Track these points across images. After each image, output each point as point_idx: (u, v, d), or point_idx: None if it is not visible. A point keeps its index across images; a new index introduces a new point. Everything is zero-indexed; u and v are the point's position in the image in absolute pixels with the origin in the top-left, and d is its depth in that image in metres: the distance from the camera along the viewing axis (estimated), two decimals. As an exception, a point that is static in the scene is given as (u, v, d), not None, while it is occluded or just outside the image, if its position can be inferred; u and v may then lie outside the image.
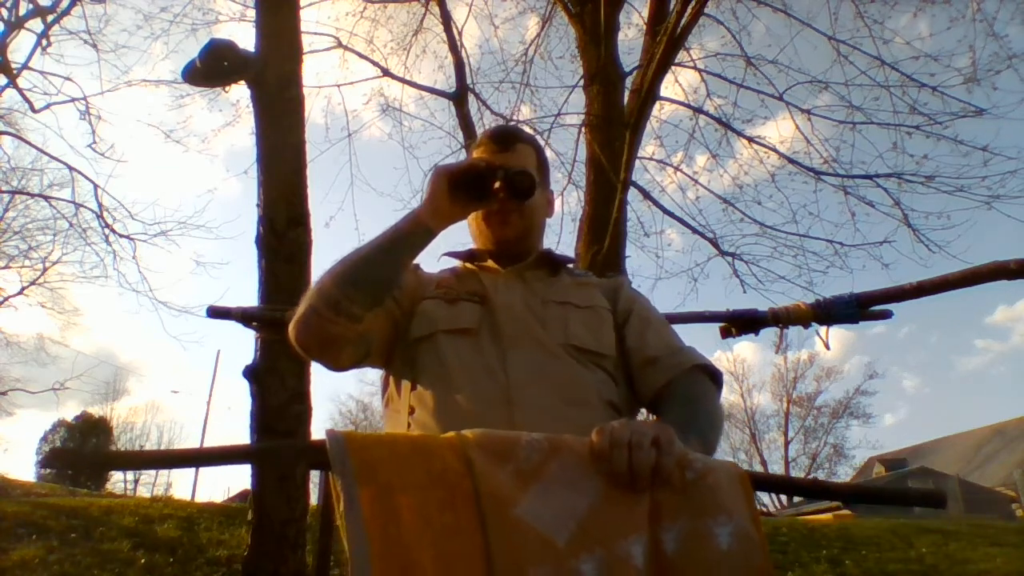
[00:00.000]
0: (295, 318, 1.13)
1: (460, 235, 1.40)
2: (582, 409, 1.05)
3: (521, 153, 1.29)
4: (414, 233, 1.14)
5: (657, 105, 7.10)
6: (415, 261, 1.25)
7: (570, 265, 1.36)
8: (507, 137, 1.31)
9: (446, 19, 7.33)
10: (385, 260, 1.12)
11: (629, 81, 6.42)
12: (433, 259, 1.38)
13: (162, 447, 33.15)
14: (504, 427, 0.97)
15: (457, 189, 1.14)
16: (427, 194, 1.15)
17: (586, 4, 6.45)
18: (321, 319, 1.10)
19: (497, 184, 1.16)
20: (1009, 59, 6.45)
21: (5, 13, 9.93)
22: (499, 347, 1.11)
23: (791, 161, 7.26)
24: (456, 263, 1.38)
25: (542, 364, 1.09)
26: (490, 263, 1.31)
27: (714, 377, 1.17)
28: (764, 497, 32.30)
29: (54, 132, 14.76)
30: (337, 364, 1.20)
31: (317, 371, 4.22)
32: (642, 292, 1.36)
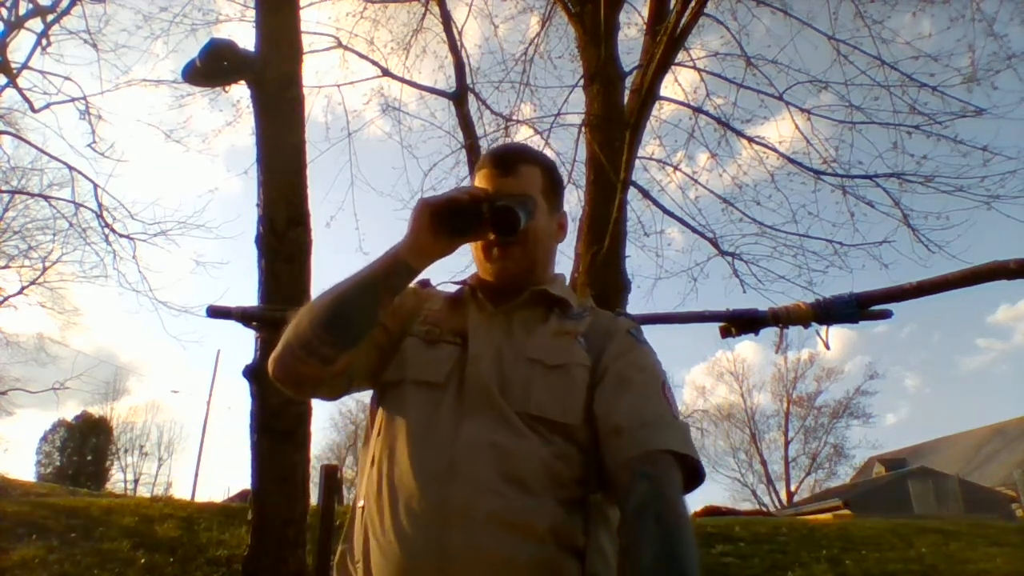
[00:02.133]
0: (273, 354, 1.11)
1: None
2: (523, 489, 0.96)
3: (525, 177, 1.18)
4: (393, 272, 1.07)
5: (657, 105, 7.10)
6: (423, 276, 1.20)
7: (571, 302, 1.21)
8: (509, 160, 1.20)
9: (446, 19, 7.34)
10: (362, 300, 1.07)
11: (629, 81, 6.41)
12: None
13: (162, 447, 33.25)
14: (440, 506, 0.94)
15: (441, 223, 1.06)
16: (408, 229, 1.07)
17: (586, 4, 6.45)
18: (295, 359, 1.08)
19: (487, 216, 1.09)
20: (1008, 59, 6.45)
21: (5, 13, 9.94)
22: (459, 409, 1.03)
23: (791, 161, 7.26)
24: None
25: (493, 435, 0.99)
26: (482, 297, 1.21)
27: (690, 471, 0.99)
28: (764, 497, 32.35)
29: (54, 132, 14.79)
30: (316, 397, 1.18)
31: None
32: (643, 342, 1.19)
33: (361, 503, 1.06)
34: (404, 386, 1.09)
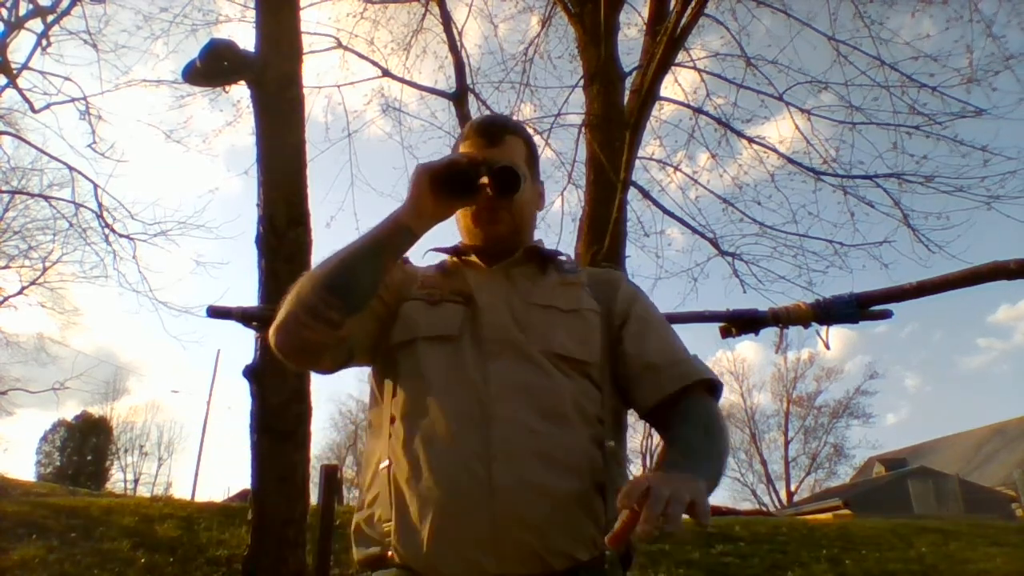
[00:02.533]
0: (275, 323, 1.10)
1: (449, 229, 1.37)
2: (561, 424, 1.01)
3: (509, 146, 1.23)
4: (395, 235, 1.10)
5: (657, 105, 7.10)
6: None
7: (562, 257, 1.29)
8: (494, 130, 1.24)
9: (446, 19, 7.34)
10: (366, 265, 1.08)
11: (629, 81, 6.42)
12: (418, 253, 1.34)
13: (162, 447, 33.25)
14: (480, 445, 0.96)
15: (440, 187, 1.10)
16: (409, 194, 1.10)
17: (586, 4, 6.45)
18: (300, 325, 1.07)
19: (483, 180, 1.13)
20: (1007, 59, 6.46)
21: (5, 13, 9.94)
22: (480, 355, 1.06)
23: (791, 161, 7.26)
24: (443, 257, 1.31)
25: (523, 375, 1.04)
26: (475, 259, 1.25)
27: (716, 391, 1.13)
28: (764, 497, 32.34)
29: (54, 132, 14.81)
30: (318, 368, 1.18)
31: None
32: (641, 289, 1.30)
33: (385, 463, 1.05)
34: (416, 344, 1.10)
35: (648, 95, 5.63)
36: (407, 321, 1.14)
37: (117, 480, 31.40)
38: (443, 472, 0.96)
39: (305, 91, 4.77)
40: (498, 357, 1.06)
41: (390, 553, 0.99)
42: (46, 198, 11.65)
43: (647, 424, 1.17)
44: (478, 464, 0.95)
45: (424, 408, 1.03)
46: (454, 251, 1.28)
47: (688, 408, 1.08)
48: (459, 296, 1.16)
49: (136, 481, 31.89)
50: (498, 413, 0.99)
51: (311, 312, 1.05)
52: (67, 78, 10.24)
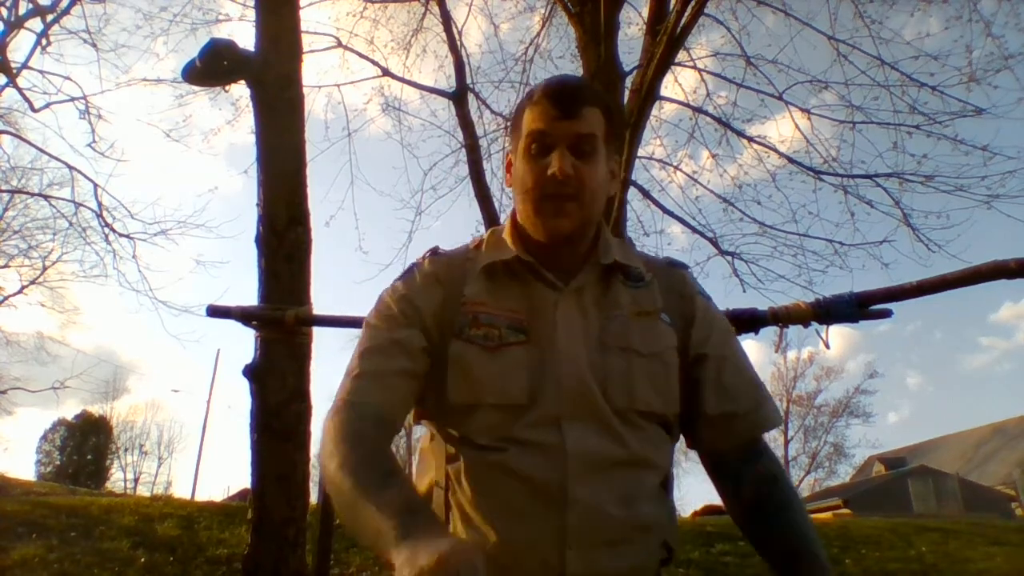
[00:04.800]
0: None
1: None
2: (639, 505, 0.96)
3: (588, 119, 1.02)
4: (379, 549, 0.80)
5: (657, 105, 7.10)
6: (437, 246, 1.13)
7: (632, 262, 1.10)
8: (571, 101, 1.02)
9: (446, 19, 7.34)
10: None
11: (629, 81, 6.42)
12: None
13: (162, 446, 33.27)
14: (556, 530, 0.91)
15: None
16: (424, 546, 0.70)
17: (586, 4, 6.45)
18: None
19: None
20: (1006, 59, 6.46)
21: (5, 13, 9.94)
22: (555, 415, 0.96)
23: (791, 161, 7.27)
24: (489, 239, 1.12)
25: (602, 447, 0.95)
26: (544, 273, 1.05)
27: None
28: (764, 496, 32.35)
29: (54, 131, 14.78)
30: None
31: (317, 370, 4.23)
32: (710, 298, 1.15)
33: (442, 485, 1.00)
34: (480, 410, 0.98)
35: (648, 95, 5.63)
36: (463, 376, 0.99)
37: (117, 479, 31.45)
38: (515, 549, 0.92)
39: (305, 90, 4.77)
40: (574, 420, 0.96)
41: None
42: (46, 197, 11.67)
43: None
44: (551, 549, 0.91)
45: (494, 478, 0.95)
46: (513, 254, 1.06)
47: (764, 461, 1.07)
48: (519, 333, 1.00)
49: (136, 480, 31.94)
50: (577, 495, 0.92)
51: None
52: (67, 77, 10.26)
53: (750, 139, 7.55)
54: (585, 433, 0.95)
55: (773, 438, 32.87)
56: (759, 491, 1.05)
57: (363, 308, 1.19)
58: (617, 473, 0.95)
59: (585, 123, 1.02)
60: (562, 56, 8.21)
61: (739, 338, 1.23)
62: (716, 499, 1.15)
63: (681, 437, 1.12)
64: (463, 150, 7.28)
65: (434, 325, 1.03)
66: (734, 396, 1.06)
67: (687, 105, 7.70)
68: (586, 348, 1.00)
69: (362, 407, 0.96)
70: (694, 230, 7.42)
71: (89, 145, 10.18)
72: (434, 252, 1.13)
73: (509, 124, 1.15)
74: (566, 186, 1.00)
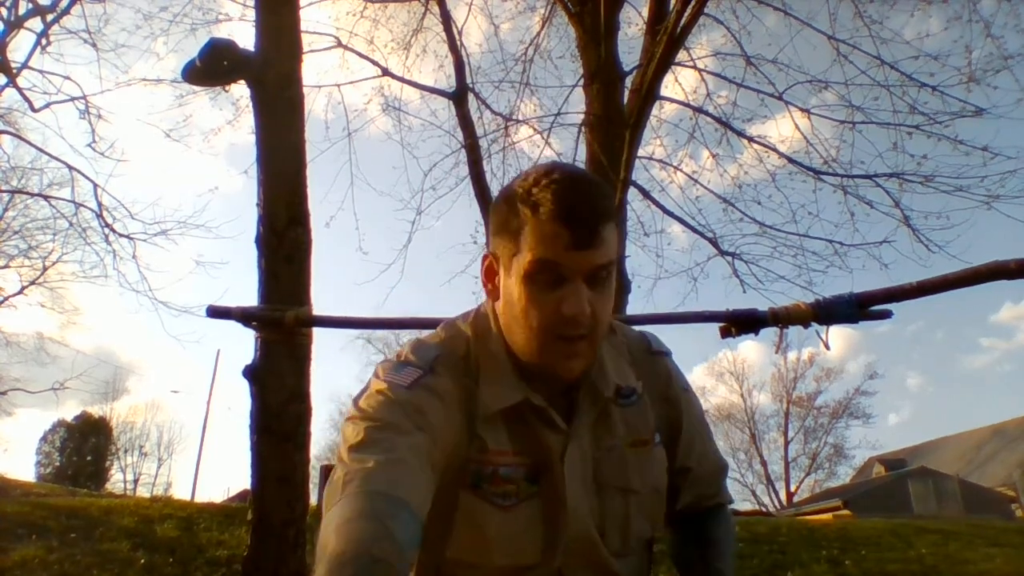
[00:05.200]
0: None
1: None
2: None
3: (606, 245, 0.87)
4: None
5: (657, 104, 7.10)
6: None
7: (622, 379, 1.03)
8: (590, 229, 0.86)
9: (446, 19, 7.34)
10: None
11: (629, 81, 6.42)
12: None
13: (162, 447, 33.25)
14: None
15: None
16: None
17: (586, 4, 6.46)
18: None
19: None
20: (1006, 59, 6.46)
21: (5, 13, 9.95)
22: (557, 571, 0.93)
23: (791, 161, 7.28)
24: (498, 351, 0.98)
25: None
26: (555, 418, 0.95)
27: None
28: (764, 497, 32.35)
29: (54, 131, 14.76)
30: None
31: (317, 371, 4.23)
32: (680, 371, 1.12)
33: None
34: (483, 569, 0.92)
35: (648, 94, 5.64)
36: (475, 533, 0.90)
37: (117, 480, 31.42)
38: None
39: (305, 90, 4.77)
40: (574, 570, 0.94)
41: None
42: (46, 198, 11.67)
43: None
44: None
45: None
46: (523, 407, 0.95)
47: (720, 514, 1.12)
48: (533, 484, 0.92)
49: (136, 481, 31.91)
50: None
51: None
52: (67, 77, 10.26)
53: (750, 139, 7.56)
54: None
55: (773, 439, 32.92)
56: (700, 526, 1.11)
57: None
58: None
59: (603, 251, 0.87)
60: (562, 56, 8.21)
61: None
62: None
63: None
64: (463, 150, 7.28)
65: (441, 458, 0.87)
66: (700, 487, 1.10)
67: (687, 105, 7.71)
68: (586, 492, 0.94)
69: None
70: (694, 230, 7.43)
71: (89, 145, 10.20)
72: (437, 358, 0.96)
73: (494, 216, 0.95)
74: (581, 326, 0.88)
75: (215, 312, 2.20)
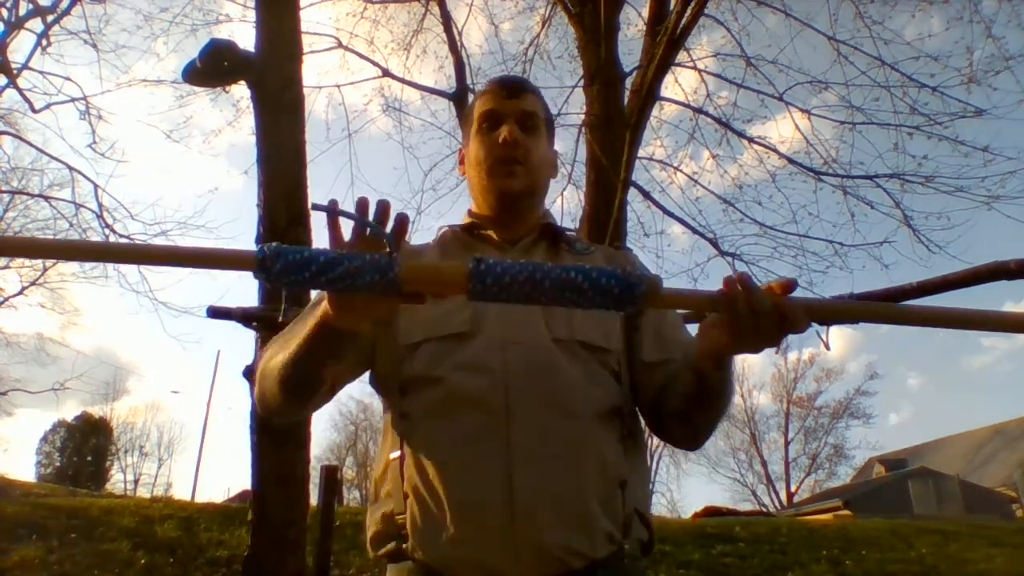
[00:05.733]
0: (257, 401, 1.10)
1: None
2: (582, 423, 1.00)
3: (530, 101, 1.20)
4: (325, 338, 0.91)
5: (657, 105, 7.10)
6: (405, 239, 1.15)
7: (572, 234, 1.24)
8: (515, 85, 1.22)
9: (446, 19, 7.33)
10: (312, 370, 0.98)
11: (629, 81, 6.42)
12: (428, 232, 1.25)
13: (162, 448, 33.25)
14: (501, 448, 0.95)
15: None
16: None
17: (586, 4, 6.45)
18: (273, 414, 1.09)
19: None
20: (1006, 60, 6.46)
21: (5, 13, 9.94)
22: (498, 348, 1.02)
23: (791, 161, 7.27)
24: (451, 230, 1.23)
25: (543, 370, 1.01)
26: (491, 234, 1.18)
27: None
28: (764, 498, 32.35)
29: (54, 132, 14.79)
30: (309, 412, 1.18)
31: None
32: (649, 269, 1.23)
33: (395, 454, 1.03)
34: (425, 344, 1.04)
35: (648, 95, 5.63)
36: (412, 320, 1.06)
37: (117, 481, 31.40)
38: (463, 474, 0.95)
39: (305, 91, 4.77)
40: (516, 349, 1.02)
41: (405, 546, 0.99)
42: (46, 198, 11.67)
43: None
44: (498, 467, 0.94)
45: (440, 405, 1.00)
46: (466, 226, 1.21)
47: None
48: None
49: (136, 482, 31.88)
50: (518, 414, 0.97)
51: (278, 412, 1.07)
52: (67, 78, 10.24)
53: (750, 140, 7.55)
54: (527, 355, 1.01)
55: (773, 440, 32.92)
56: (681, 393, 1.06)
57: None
58: (559, 393, 1.00)
59: (528, 102, 1.19)
60: (561, 56, 8.21)
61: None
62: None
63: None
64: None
65: None
66: (670, 347, 1.11)
67: (687, 106, 7.70)
68: None
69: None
70: (694, 231, 7.41)
71: (89, 146, 10.19)
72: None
73: (462, 123, 1.31)
74: (514, 150, 1.15)
75: (215, 312, 2.20)
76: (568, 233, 1.23)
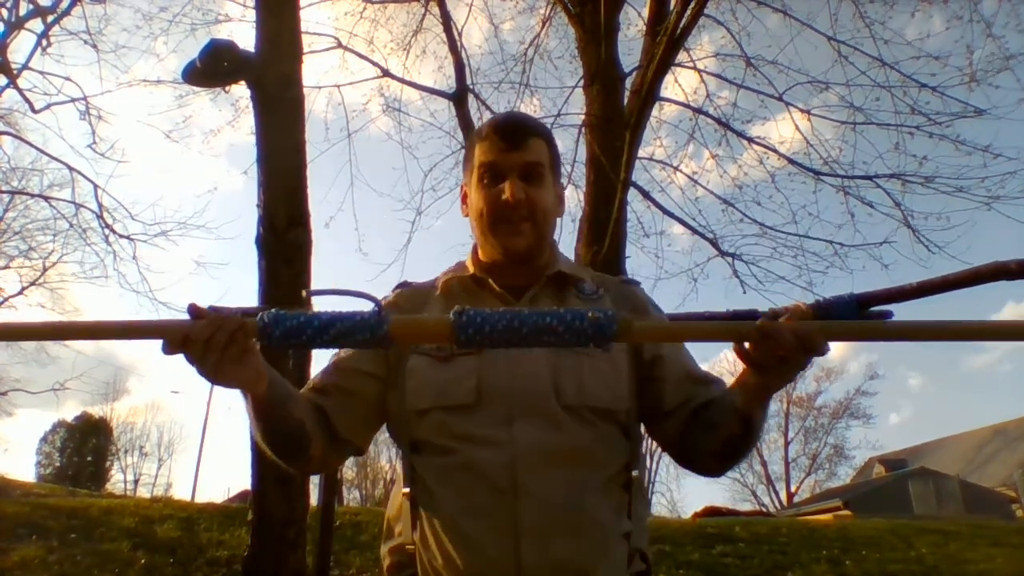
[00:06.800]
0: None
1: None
2: (590, 494, 1.00)
3: (533, 149, 1.13)
4: (251, 407, 1.01)
5: (657, 105, 7.10)
6: (405, 279, 1.23)
7: (582, 279, 1.19)
8: (517, 133, 1.13)
9: (446, 19, 7.33)
10: (273, 433, 1.04)
11: (629, 82, 6.42)
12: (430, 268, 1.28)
13: (162, 448, 33.25)
14: (508, 520, 0.96)
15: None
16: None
17: (586, 4, 6.45)
18: (293, 470, 1.13)
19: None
20: (1006, 60, 6.46)
21: (5, 13, 9.95)
22: (505, 416, 1.01)
23: (791, 162, 7.27)
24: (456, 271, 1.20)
25: (550, 440, 1.00)
26: (494, 286, 1.14)
27: None
28: (764, 498, 32.34)
29: (54, 132, 14.77)
30: (335, 467, 1.22)
31: (317, 371, 4.23)
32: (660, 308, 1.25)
33: (406, 490, 1.06)
34: (433, 413, 1.04)
35: (648, 95, 5.64)
36: (418, 384, 1.06)
37: (117, 481, 31.40)
38: (471, 544, 0.97)
39: (305, 91, 4.78)
40: (523, 418, 1.01)
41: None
42: (46, 198, 11.66)
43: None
44: (506, 541, 0.95)
45: (449, 474, 1.01)
46: (472, 277, 1.17)
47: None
48: None
49: (136, 482, 31.89)
50: (525, 487, 0.97)
51: (286, 465, 1.10)
52: (67, 78, 10.24)
53: (750, 140, 7.55)
54: (535, 428, 1.00)
55: (773, 440, 32.92)
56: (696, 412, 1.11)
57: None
58: (565, 466, 0.99)
59: (531, 152, 1.13)
60: (561, 56, 8.21)
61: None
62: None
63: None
64: (463, 151, 7.26)
65: (394, 350, 1.09)
66: (687, 388, 1.12)
67: (687, 106, 7.70)
68: (539, 351, 1.04)
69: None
70: (694, 231, 7.42)
71: (89, 146, 10.18)
72: (401, 285, 1.23)
73: (462, 160, 1.28)
74: (519, 210, 1.11)
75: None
76: (577, 276, 1.19)
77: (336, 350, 1.14)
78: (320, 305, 0.94)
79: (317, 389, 1.12)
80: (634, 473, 1.07)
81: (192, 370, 0.90)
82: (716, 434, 1.05)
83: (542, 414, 1.01)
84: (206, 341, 0.86)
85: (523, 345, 0.89)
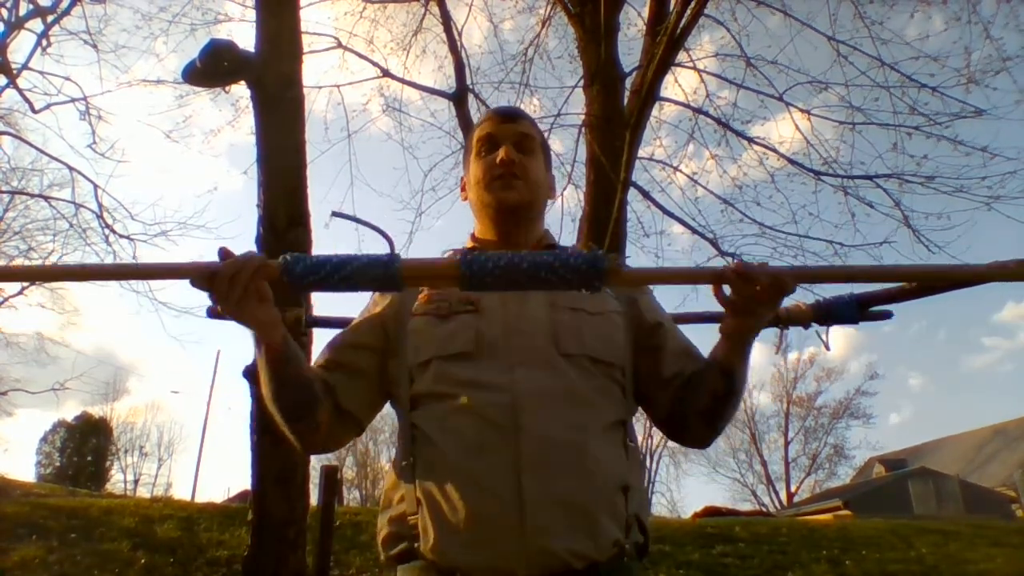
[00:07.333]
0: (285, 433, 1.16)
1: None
2: (588, 434, 1.04)
3: (526, 125, 1.28)
4: (265, 358, 1.07)
5: (657, 105, 7.10)
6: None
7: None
8: (512, 111, 1.31)
9: (446, 19, 7.33)
10: (285, 389, 1.09)
11: (629, 81, 6.42)
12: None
13: (162, 448, 33.24)
14: (510, 457, 0.99)
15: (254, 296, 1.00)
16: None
17: (586, 4, 6.45)
18: (299, 441, 1.16)
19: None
20: (1005, 60, 6.46)
21: (5, 13, 9.94)
22: (504, 364, 1.06)
23: (791, 162, 7.27)
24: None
25: (549, 383, 1.05)
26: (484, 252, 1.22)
27: None
28: (764, 498, 32.35)
29: (54, 132, 14.76)
30: (342, 445, 1.28)
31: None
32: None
33: (406, 461, 1.08)
34: (433, 363, 1.09)
35: (648, 95, 5.64)
36: (418, 341, 1.12)
37: (117, 481, 31.38)
38: (474, 484, 0.99)
39: (305, 91, 4.78)
40: (524, 365, 1.06)
41: (416, 546, 1.03)
42: (46, 198, 11.64)
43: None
44: (508, 476, 0.98)
45: (451, 418, 1.04)
46: (469, 249, 1.24)
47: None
48: (470, 304, 1.13)
49: (136, 482, 31.87)
50: (526, 425, 1.00)
51: (295, 432, 1.14)
52: (67, 78, 10.23)
53: (750, 140, 7.54)
54: (535, 373, 1.05)
55: (773, 440, 32.93)
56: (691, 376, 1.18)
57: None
58: (565, 407, 1.04)
59: (524, 126, 1.26)
60: (561, 56, 8.20)
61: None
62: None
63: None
64: (463, 151, 7.26)
65: (392, 317, 1.18)
66: (682, 359, 1.18)
67: (687, 106, 7.69)
68: (534, 305, 1.13)
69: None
70: (694, 231, 7.41)
71: (89, 146, 10.17)
72: None
73: (462, 159, 1.40)
74: (512, 167, 1.21)
75: (215, 313, 2.20)
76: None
77: (336, 330, 1.23)
78: (339, 243, 1.03)
79: (320, 366, 1.18)
80: (631, 443, 1.10)
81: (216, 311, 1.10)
82: (702, 391, 1.11)
83: (542, 362, 1.07)
84: (231, 277, 0.93)
85: (524, 285, 0.96)
